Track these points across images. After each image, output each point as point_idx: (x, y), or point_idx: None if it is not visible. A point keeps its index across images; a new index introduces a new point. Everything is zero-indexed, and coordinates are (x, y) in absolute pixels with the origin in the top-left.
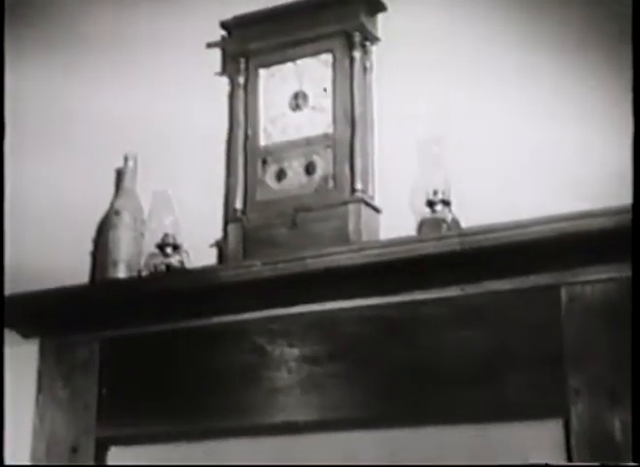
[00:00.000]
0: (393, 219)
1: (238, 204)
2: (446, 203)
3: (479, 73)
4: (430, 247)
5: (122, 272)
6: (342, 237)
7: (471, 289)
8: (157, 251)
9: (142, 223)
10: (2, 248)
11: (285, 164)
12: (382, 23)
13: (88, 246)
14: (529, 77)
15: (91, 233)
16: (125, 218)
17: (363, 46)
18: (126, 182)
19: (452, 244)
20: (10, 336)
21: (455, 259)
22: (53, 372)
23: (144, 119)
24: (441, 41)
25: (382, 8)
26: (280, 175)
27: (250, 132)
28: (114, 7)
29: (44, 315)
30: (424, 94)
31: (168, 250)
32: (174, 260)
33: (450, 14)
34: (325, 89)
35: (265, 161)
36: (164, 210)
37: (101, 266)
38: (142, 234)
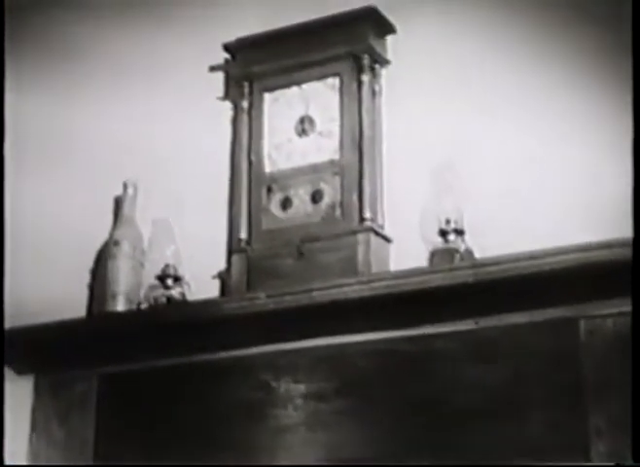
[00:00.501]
0: (403, 249)
1: (242, 234)
2: (459, 232)
3: (491, 96)
4: (442, 279)
5: (120, 305)
6: (351, 268)
7: (485, 322)
8: (157, 283)
9: (142, 253)
10: (2, 280)
11: (291, 192)
12: (392, 45)
13: (86, 277)
14: (542, 100)
15: (89, 263)
16: (125, 248)
17: (372, 69)
18: (126, 210)
19: (466, 276)
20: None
21: (469, 291)
22: (48, 409)
23: (145, 144)
24: (452, 64)
25: (392, 30)
26: (286, 203)
27: (254, 159)
28: (116, 28)
29: (39, 351)
30: (435, 119)
31: (169, 282)
32: (175, 292)
33: (462, 36)
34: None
35: (270, 189)
36: (165, 240)
37: (99, 298)
38: (142, 265)
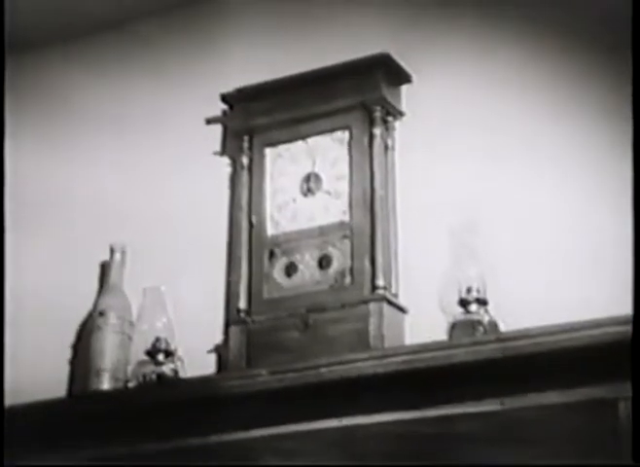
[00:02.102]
0: (420, 320)
1: (242, 303)
2: (482, 302)
3: (514, 151)
4: (464, 354)
5: (106, 383)
6: (362, 342)
7: (512, 403)
8: (146, 358)
9: (130, 325)
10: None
11: (296, 257)
12: (407, 96)
13: (67, 352)
14: (564, 155)
15: (71, 336)
16: (111, 319)
17: (384, 121)
18: (113, 277)
19: (490, 351)
20: None
21: (494, 368)
22: None
23: (135, 204)
24: (471, 116)
25: (406, 79)
26: (290, 270)
27: (255, 220)
28: (111, 82)
29: (15, 435)
30: (454, 175)
31: (160, 357)
32: (167, 368)
33: (481, 86)
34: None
35: (272, 254)
36: (156, 310)
37: (82, 375)
38: (130, 338)
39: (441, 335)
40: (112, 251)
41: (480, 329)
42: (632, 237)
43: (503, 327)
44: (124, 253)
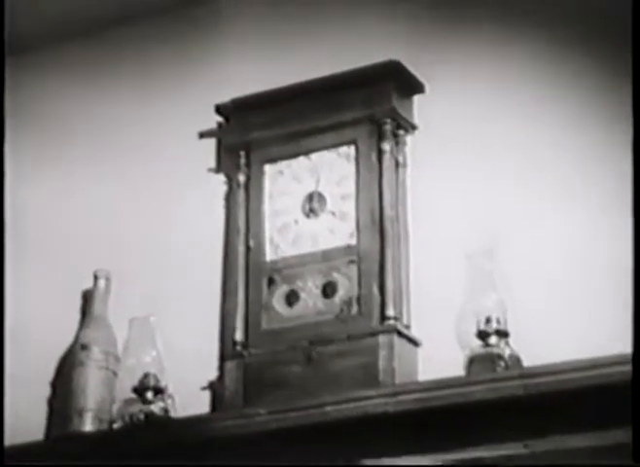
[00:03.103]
0: (435, 354)
1: (238, 335)
2: (503, 334)
3: (538, 168)
4: (484, 391)
5: (88, 424)
6: (371, 378)
7: (537, 445)
8: (134, 396)
9: (115, 360)
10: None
11: (297, 285)
12: (419, 107)
13: (46, 390)
14: (589, 176)
15: (49, 372)
16: (94, 353)
17: (395, 135)
18: (96, 306)
19: (512, 388)
20: None
21: (516, 407)
22: None
23: (121, 226)
24: (491, 130)
25: (419, 88)
26: (291, 298)
27: (253, 244)
28: (92, 93)
29: None
30: (471, 196)
31: (149, 395)
32: (156, 407)
33: (502, 96)
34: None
35: (271, 281)
36: (144, 343)
37: (62, 415)
38: (115, 374)
39: (457, 370)
40: (95, 278)
41: (501, 364)
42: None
43: (526, 362)
44: (108, 280)
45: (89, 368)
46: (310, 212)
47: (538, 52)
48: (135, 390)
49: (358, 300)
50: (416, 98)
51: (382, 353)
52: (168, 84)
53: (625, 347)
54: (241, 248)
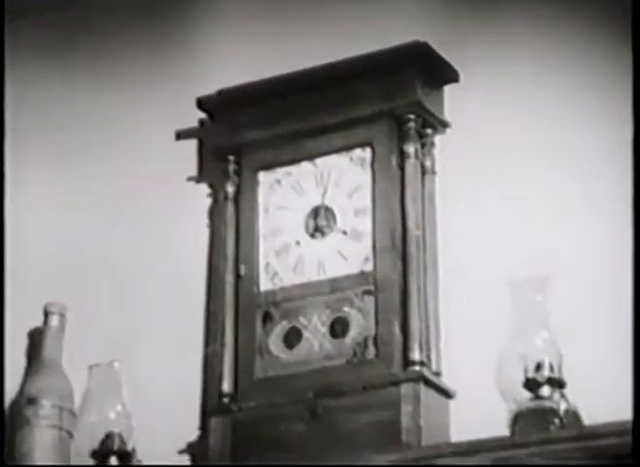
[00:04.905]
0: (472, 408)
1: (226, 385)
2: (558, 384)
3: (597, 179)
4: (534, 455)
5: None
6: (392, 438)
7: None
8: (93, 462)
9: (71, 416)
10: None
11: (300, 321)
12: (451, 100)
13: None
14: None
15: None
16: (44, 409)
17: (420, 135)
18: (48, 349)
19: (570, 451)
20: None
21: None
22: None
23: (79, 251)
24: (542, 126)
25: (452, 76)
26: (292, 338)
27: (244, 271)
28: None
29: None
30: (515, 212)
31: (112, 460)
32: None
33: (548, 85)
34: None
35: (267, 316)
36: (108, 395)
37: None
38: (70, 435)
39: (500, 428)
40: (46, 314)
41: (556, 421)
42: None
43: (586, 419)
44: (62, 316)
45: (38, 427)
46: (315, 231)
47: (591, 32)
48: (95, 454)
49: (375, 340)
50: (447, 89)
51: (406, 407)
52: (138, 72)
53: None
54: (230, 277)
